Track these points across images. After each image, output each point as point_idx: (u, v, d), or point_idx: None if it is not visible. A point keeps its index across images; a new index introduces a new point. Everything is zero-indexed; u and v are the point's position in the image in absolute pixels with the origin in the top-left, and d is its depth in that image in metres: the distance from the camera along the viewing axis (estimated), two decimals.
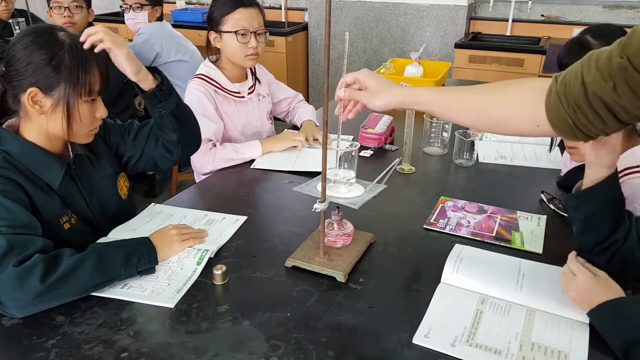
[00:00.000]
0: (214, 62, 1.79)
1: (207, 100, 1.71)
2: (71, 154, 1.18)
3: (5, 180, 1.02)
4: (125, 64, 1.18)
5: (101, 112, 1.14)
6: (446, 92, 0.98)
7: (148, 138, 1.32)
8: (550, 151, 1.56)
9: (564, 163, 1.53)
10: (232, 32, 1.68)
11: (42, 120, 1.08)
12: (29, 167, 1.08)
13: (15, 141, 1.09)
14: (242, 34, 1.68)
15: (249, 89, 1.85)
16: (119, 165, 1.32)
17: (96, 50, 1.12)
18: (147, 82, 1.22)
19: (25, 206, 1.03)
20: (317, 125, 1.91)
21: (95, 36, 1.11)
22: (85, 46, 1.09)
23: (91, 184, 1.22)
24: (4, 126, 1.12)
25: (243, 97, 1.82)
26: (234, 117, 1.80)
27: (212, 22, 1.72)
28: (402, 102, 0.98)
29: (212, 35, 1.73)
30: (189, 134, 1.33)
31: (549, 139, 1.49)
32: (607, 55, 0.74)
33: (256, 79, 1.89)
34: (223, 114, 1.77)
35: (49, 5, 2.46)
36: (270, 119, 1.97)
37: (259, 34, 1.72)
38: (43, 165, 1.10)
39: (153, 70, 1.25)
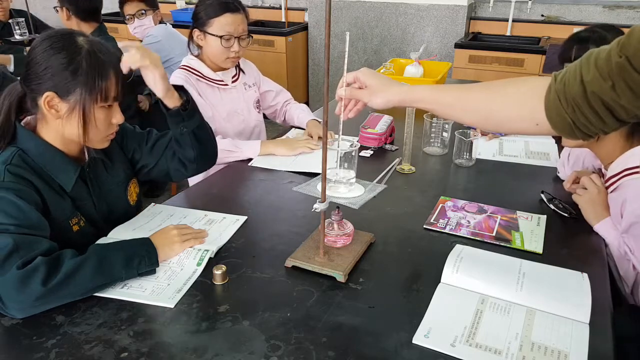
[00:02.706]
0: (196, 56, 1.81)
1: (190, 87, 1.72)
2: (86, 157, 1.18)
3: (19, 179, 1.03)
4: (158, 82, 1.17)
5: (117, 118, 1.14)
6: (446, 90, 0.98)
7: (165, 150, 1.32)
8: (557, 143, 1.58)
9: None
10: (217, 35, 1.69)
11: (58, 124, 1.08)
12: (43, 167, 1.09)
13: (32, 140, 1.09)
14: (227, 39, 1.70)
15: (233, 77, 1.86)
16: (132, 171, 1.32)
17: (134, 67, 1.12)
18: (172, 100, 1.22)
19: (37, 207, 1.03)
20: (320, 123, 1.91)
21: (133, 57, 1.11)
22: (124, 70, 1.10)
23: (102, 188, 1.22)
24: (22, 123, 1.12)
25: (227, 84, 1.83)
26: (218, 105, 1.81)
27: (197, 21, 1.74)
28: (402, 100, 0.98)
29: (196, 33, 1.75)
30: (206, 153, 1.33)
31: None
32: (606, 54, 0.74)
33: (240, 69, 1.90)
34: (207, 102, 1.77)
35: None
36: (258, 109, 1.97)
37: (242, 39, 1.74)
38: (58, 167, 1.11)
39: (178, 88, 1.25)
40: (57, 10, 2.52)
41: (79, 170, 1.14)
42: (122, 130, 1.30)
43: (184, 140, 1.27)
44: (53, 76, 1.04)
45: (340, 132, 1.04)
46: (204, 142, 1.30)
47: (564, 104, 0.78)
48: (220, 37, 1.69)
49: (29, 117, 1.13)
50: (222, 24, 1.70)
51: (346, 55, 0.99)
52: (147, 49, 1.16)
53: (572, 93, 0.77)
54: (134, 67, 1.13)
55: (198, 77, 1.77)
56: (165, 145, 1.32)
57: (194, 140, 1.27)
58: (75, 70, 1.04)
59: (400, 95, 0.98)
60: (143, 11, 2.82)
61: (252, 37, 1.79)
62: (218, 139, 1.68)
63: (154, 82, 1.17)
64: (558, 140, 1.79)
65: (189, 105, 1.25)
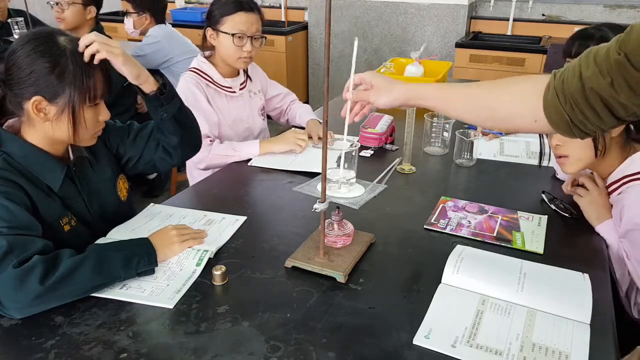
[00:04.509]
0: (207, 58, 1.80)
1: (199, 91, 1.73)
2: (71, 156, 1.17)
3: (6, 182, 1.02)
4: (122, 69, 1.14)
5: (104, 115, 1.14)
6: (449, 88, 0.99)
7: (148, 140, 1.31)
8: (539, 166, 1.53)
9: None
10: (229, 34, 1.69)
11: (46, 127, 1.08)
12: (29, 169, 1.08)
13: (15, 143, 1.08)
14: (239, 37, 1.70)
15: (241, 84, 1.86)
16: (118, 167, 1.32)
17: (95, 61, 1.08)
18: (148, 85, 1.20)
19: (27, 208, 1.02)
20: (321, 123, 1.91)
21: (90, 48, 1.07)
22: (86, 59, 1.07)
23: (90, 186, 1.21)
24: (4, 127, 1.11)
25: (234, 92, 1.83)
26: (225, 111, 1.81)
27: (211, 19, 1.73)
28: (407, 98, 1.00)
29: (209, 31, 1.74)
30: (189, 138, 1.33)
31: (539, 151, 1.50)
32: (605, 51, 0.74)
33: (247, 76, 1.90)
34: (214, 108, 1.77)
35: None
36: (262, 116, 1.97)
37: (255, 39, 1.73)
38: (44, 168, 1.10)
39: (155, 72, 1.23)
40: (58, 7, 2.48)
41: (66, 170, 1.14)
42: (106, 126, 1.28)
43: (165, 127, 1.26)
44: (38, 80, 1.03)
45: (345, 134, 1.03)
46: (186, 127, 1.29)
47: (562, 101, 0.78)
48: (232, 35, 1.69)
49: (10, 120, 1.12)
50: (235, 22, 1.69)
51: (354, 60, 1.00)
52: (104, 37, 1.11)
53: (571, 89, 0.77)
54: (95, 58, 1.08)
55: (208, 82, 1.77)
56: (148, 136, 1.31)
57: (175, 125, 1.26)
58: (62, 72, 1.03)
59: (405, 93, 1.00)
60: (126, 12, 2.85)
61: (265, 38, 1.78)
62: (215, 144, 1.69)
63: (120, 69, 1.14)
64: None
65: (165, 89, 1.22)
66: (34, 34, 1.07)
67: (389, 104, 1.01)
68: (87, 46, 1.07)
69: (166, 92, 1.22)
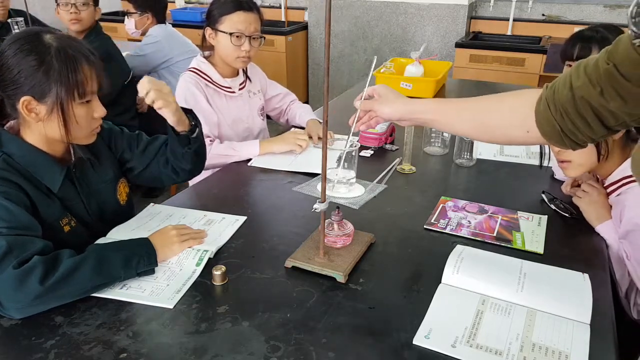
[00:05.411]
0: (207, 58, 1.81)
1: (198, 91, 1.73)
2: (73, 157, 1.17)
3: (6, 182, 1.02)
4: (170, 116, 1.23)
5: (99, 112, 1.13)
6: (447, 102, 1.04)
7: (156, 155, 1.33)
8: (540, 167, 1.52)
9: (557, 164, 1.53)
10: (227, 33, 1.69)
11: (40, 127, 1.07)
12: (29, 169, 1.08)
13: (15, 143, 1.08)
14: (237, 37, 1.70)
15: (240, 84, 1.86)
16: (120, 171, 1.32)
17: (155, 107, 1.21)
18: (182, 127, 1.27)
19: (26, 208, 1.02)
20: (321, 123, 1.91)
21: (148, 98, 1.18)
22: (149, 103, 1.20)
23: (90, 188, 1.21)
24: (5, 128, 1.11)
25: (234, 92, 1.83)
26: (225, 111, 1.81)
27: (210, 19, 1.74)
28: (407, 111, 1.04)
29: (208, 31, 1.75)
30: (200, 164, 1.38)
31: (539, 151, 1.50)
32: (595, 62, 0.76)
33: (247, 76, 1.90)
34: (214, 108, 1.77)
35: (56, 2, 2.48)
36: (262, 116, 1.97)
37: (253, 39, 1.73)
38: (43, 168, 1.10)
39: (187, 111, 1.29)
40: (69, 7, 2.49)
41: (65, 171, 1.13)
42: (110, 131, 1.30)
43: (184, 157, 1.30)
44: (26, 79, 1.03)
45: (349, 138, 1.04)
46: (200, 157, 1.36)
47: (553, 111, 0.81)
48: (231, 34, 1.69)
49: (12, 122, 1.12)
50: (234, 21, 1.69)
51: (370, 74, 1.08)
52: (158, 83, 1.20)
53: (562, 99, 0.79)
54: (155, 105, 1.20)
55: (207, 82, 1.77)
56: (156, 151, 1.33)
57: (194, 156, 1.31)
58: (48, 70, 1.03)
59: (405, 106, 1.04)
60: (128, 12, 2.87)
61: (264, 37, 1.78)
62: (216, 143, 1.69)
63: (167, 116, 1.23)
64: None
65: (196, 129, 1.29)
66: (20, 34, 1.07)
67: (390, 115, 1.05)
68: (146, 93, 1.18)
69: (197, 133, 1.29)
